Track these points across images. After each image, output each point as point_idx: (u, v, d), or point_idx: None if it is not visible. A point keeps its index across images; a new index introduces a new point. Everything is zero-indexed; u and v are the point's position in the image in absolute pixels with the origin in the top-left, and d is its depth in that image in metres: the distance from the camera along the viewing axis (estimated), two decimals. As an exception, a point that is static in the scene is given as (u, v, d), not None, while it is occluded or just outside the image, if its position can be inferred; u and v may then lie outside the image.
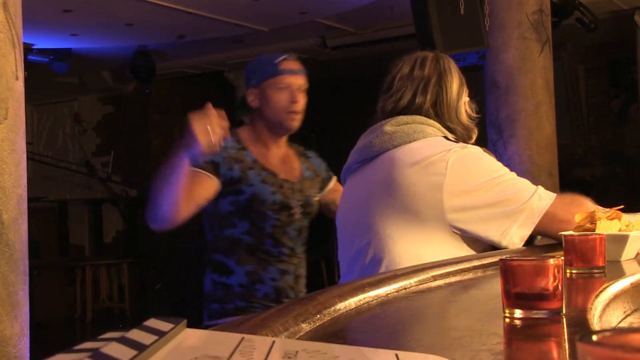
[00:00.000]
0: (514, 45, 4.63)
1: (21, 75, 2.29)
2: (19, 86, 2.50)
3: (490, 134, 4.66)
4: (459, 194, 1.81)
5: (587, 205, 1.86)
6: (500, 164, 1.91)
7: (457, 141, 1.91)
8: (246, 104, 2.70)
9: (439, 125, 1.96)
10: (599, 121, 8.52)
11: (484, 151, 1.94)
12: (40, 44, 7.31)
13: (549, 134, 4.67)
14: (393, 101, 2.00)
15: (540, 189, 1.87)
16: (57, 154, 9.80)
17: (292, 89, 2.62)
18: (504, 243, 1.82)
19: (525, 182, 1.88)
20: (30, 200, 2.63)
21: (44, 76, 7.87)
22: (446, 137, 1.93)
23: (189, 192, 2.44)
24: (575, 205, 1.84)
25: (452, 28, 4.34)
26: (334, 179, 2.85)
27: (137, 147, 9.50)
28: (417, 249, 1.83)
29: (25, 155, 2.55)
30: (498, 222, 1.82)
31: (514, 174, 1.89)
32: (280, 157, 2.72)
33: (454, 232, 1.83)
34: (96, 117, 9.98)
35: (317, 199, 2.77)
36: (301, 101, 2.64)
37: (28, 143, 2.96)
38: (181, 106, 9.88)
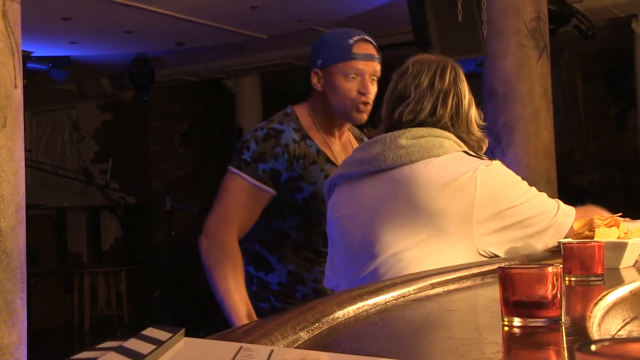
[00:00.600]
0: (512, 53, 4.64)
1: (20, 83, 2.29)
2: (18, 94, 2.51)
3: (489, 141, 4.66)
4: (488, 218, 1.78)
5: (603, 214, 1.85)
6: (519, 178, 1.88)
7: (478, 156, 1.85)
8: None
9: (454, 138, 1.89)
10: (597, 128, 8.53)
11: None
12: (39, 51, 7.32)
13: (547, 141, 4.68)
14: (412, 112, 1.90)
15: (562, 204, 1.87)
16: (55, 161, 9.79)
17: (364, 78, 2.32)
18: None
19: (546, 198, 1.87)
20: (28, 207, 2.63)
21: (42, 84, 7.88)
22: (466, 152, 1.86)
23: (247, 222, 2.31)
24: (593, 215, 1.84)
25: (450, 35, 4.34)
26: None
27: (135, 154, 9.50)
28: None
29: (23, 163, 2.55)
30: (526, 242, 1.82)
31: (534, 189, 1.87)
32: (342, 143, 2.46)
33: (480, 253, 1.79)
34: (95, 124, 9.98)
35: None
36: (373, 91, 2.35)
37: (26, 150, 2.96)
38: (180, 113, 9.90)
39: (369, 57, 2.33)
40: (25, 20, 2.61)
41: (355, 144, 2.48)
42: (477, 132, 1.95)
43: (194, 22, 6.55)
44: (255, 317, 2.23)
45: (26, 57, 6.88)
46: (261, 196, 2.30)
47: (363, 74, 2.32)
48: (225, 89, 9.06)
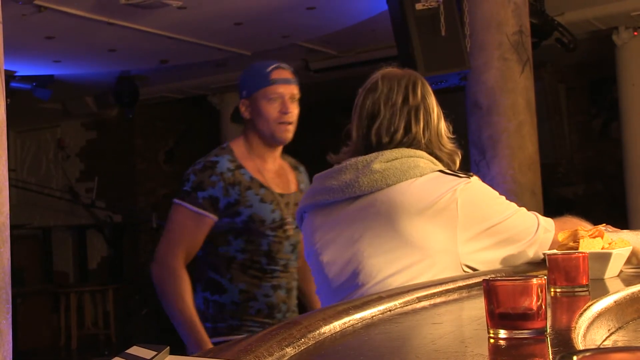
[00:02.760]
0: (495, 66, 4.67)
1: (3, 102, 2.28)
2: (1, 113, 2.49)
3: (473, 154, 4.68)
4: (472, 237, 1.78)
5: (583, 224, 1.86)
6: (497, 194, 1.88)
7: (455, 174, 1.84)
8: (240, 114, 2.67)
9: (428, 156, 1.88)
10: (581, 140, 8.58)
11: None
12: (23, 70, 7.30)
13: (532, 154, 4.70)
14: (388, 132, 1.88)
15: (541, 218, 1.87)
16: (40, 180, 9.75)
17: (283, 99, 2.57)
18: None
19: (526, 213, 1.87)
20: (13, 227, 2.61)
21: (26, 103, 7.85)
22: (442, 171, 1.85)
23: (193, 247, 2.53)
24: (572, 227, 1.84)
25: (433, 50, 4.36)
26: None
27: (121, 172, 9.48)
28: None
29: (7, 183, 2.53)
30: (510, 260, 1.82)
31: (514, 204, 1.87)
32: (275, 170, 2.68)
33: (464, 269, 1.79)
34: (80, 142, 9.95)
35: None
36: (294, 111, 2.60)
37: (11, 170, 2.95)
38: (165, 131, 9.88)
39: (286, 81, 2.59)
40: (8, 40, 2.60)
41: (290, 172, 2.73)
42: (448, 144, 1.95)
43: (178, 39, 6.56)
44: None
45: (9, 76, 6.87)
46: (203, 222, 2.53)
47: (283, 96, 2.57)
48: (210, 105, 9.05)
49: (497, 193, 1.88)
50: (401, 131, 1.89)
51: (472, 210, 1.79)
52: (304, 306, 2.91)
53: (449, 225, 1.77)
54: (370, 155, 1.87)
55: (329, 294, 1.92)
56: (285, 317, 2.63)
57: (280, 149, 2.68)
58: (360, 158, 1.88)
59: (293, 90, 2.60)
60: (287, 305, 2.64)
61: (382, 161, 1.84)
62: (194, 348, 2.42)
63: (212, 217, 2.52)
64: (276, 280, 2.61)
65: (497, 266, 1.81)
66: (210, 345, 2.44)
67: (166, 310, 2.51)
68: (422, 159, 1.86)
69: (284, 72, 2.61)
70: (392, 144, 1.89)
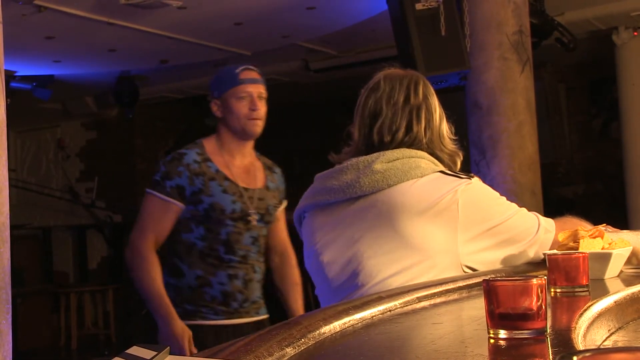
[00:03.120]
0: (495, 66, 4.66)
1: (3, 102, 2.28)
2: (1, 114, 2.49)
3: (473, 154, 4.68)
4: (472, 237, 1.79)
5: (583, 224, 1.86)
6: (498, 194, 1.88)
7: (456, 175, 1.85)
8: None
9: (429, 157, 1.89)
10: (581, 140, 8.58)
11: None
12: (23, 70, 7.30)
13: (532, 154, 4.70)
14: (390, 131, 1.89)
15: (542, 218, 1.88)
16: (40, 180, 9.75)
17: (252, 97, 2.77)
18: None
19: (526, 213, 1.88)
20: (13, 227, 2.62)
21: (26, 103, 7.85)
22: (443, 172, 1.85)
23: (161, 233, 2.74)
24: (572, 227, 1.84)
25: (433, 49, 4.37)
26: (284, 204, 2.97)
27: (121, 172, 9.47)
28: None
29: (7, 183, 2.53)
30: (511, 260, 1.82)
31: (514, 205, 1.88)
32: (244, 166, 2.86)
33: (464, 270, 1.79)
34: (80, 142, 9.95)
35: (281, 208, 2.92)
36: (262, 108, 2.80)
37: (11, 170, 2.96)
38: (165, 131, 9.88)
39: (254, 81, 2.80)
40: (8, 40, 2.60)
41: (260, 170, 2.90)
42: (449, 145, 1.95)
43: (178, 39, 6.56)
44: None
45: (9, 76, 6.87)
46: (171, 209, 2.74)
47: (251, 94, 2.78)
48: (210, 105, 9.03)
49: (497, 194, 1.88)
50: (402, 130, 1.90)
51: (472, 211, 1.79)
52: (279, 301, 3.03)
53: (449, 226, 1.77)
54: (371, 155, 1.88)
55: (329, 294, 1.92)
56: (242, 307, 2.78)
57: (250, 145, 2.87)
58: (362, 158, 1.88)
59: (260, 89, 2.80)
60: (244, 295, 2.78)
61: (383, 161, 1.84)
62: (163, 321, 2.63)
63: (179, 205, 2.73)
64: (232, 270, 2.76)
65: (498, 266, 1.81)
66: (177, 319, 2.63)
67: (138, 289, 2.72)
68: (423, 160, 1.86)
69: (252, 73, 2.82)
70: (394, 144, 1.89)
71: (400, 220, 1.79)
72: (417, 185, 1.81)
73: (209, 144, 2.83)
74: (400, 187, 1.81)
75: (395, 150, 1.87)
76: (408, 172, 1.82)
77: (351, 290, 1.83)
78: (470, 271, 1.79)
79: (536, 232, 1.83)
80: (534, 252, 1.83)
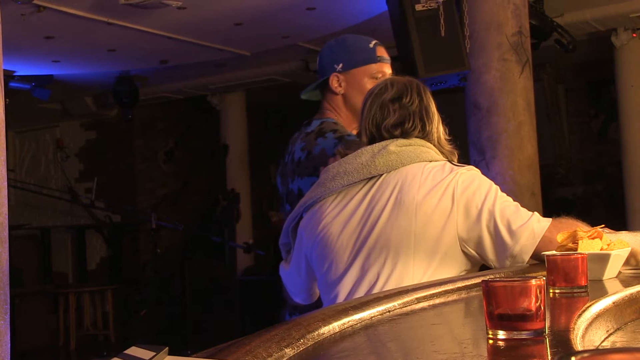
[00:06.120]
0: (495, 67, 4.67)
1: (2, 102, 2.28)
2: (0, 114, 2.49)
3: (473, 154, 4.68)
4: (469, 220, 1.88)
5: (580, 225, 1.87)
6: (496, 186, 1.97)
7: (461, 165, 1.99)
8: (326, 87, 2.48)
9: (436, 149, 2.02)
10: (580, 140, 8.59)
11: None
12: (22, 70, 7.30)
13: (531, 154, 4.70)
14: (400, 128, 2.01)
15: (536, 213, 1.91)
16: (39, 180, 9.74)
17: (386, 78, 2.37)
18: (507, 263, 1.85)
19: (521, 207, 1.94)
20: (12, 227, 2.62)
21: (26, 103, 7.85)
22: (450, 162, 1.99)
23: None
24: (571, 228, 1.85)
25: (433, 50, 4.37)
26: None
27: (120, 172, 9.47)
28: (437, 274, 1.86)
29: (6, 183, 2.53)
30: (503, 244, 1.86)
31: (510, 199, 1.95)
32: None
33: (462, 252, 1.89)
34: (79, 143, 9.95)
35: None
36: None
37: (10, 170, 2.95)
38: (164, 131, 9.88)
39: (389, 60, 2.48)
40: (7, 39, 2.60)
41: None
42: (446, 145, 2.08)
43: (177, 39, 6.56)
44: None
45: (8, 76, 6.87)
46: None
47: (385, 74, 2.43)
48: (210, 105, 9.05)
49: (492, 184, 1.97)
50: (417, 128, 2.02)
51: (470, 191, 1.89)
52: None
53: (449, 209, 1.88)
54: (385, 141, 2.00)
55: (342, 270, 1.97)
56: None
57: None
58: (375, 144, 2.00)
59: (391, 69, 2.49)
60: None
61: (397, 145, 1.97)
62: None
63: None
64: None
65: (490, 251, 1.87)
66: None
67: None
68: (432, 150, 2.00)
69: (385, 51, 2.48)
70: (405, 136, 2.01)
71: (408, 200, 1.89)
72: (427, 167, 1.94)
73: (329, 126, 2.47)
74: (412, 167, 1.94)
75: (408, 138, 2.00)
76: (420, 155, 1.96)
77: (379, 272, 1.89)
78: (467, 255, 1.89)
79: (528, 219, 1.87)
80: (524, 239, 1.85)
